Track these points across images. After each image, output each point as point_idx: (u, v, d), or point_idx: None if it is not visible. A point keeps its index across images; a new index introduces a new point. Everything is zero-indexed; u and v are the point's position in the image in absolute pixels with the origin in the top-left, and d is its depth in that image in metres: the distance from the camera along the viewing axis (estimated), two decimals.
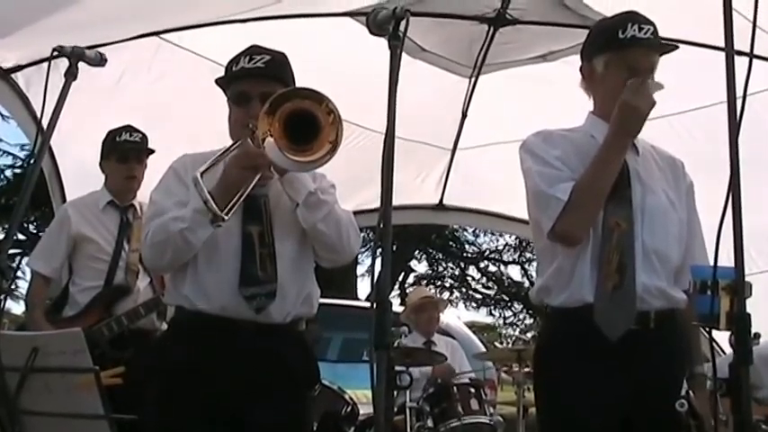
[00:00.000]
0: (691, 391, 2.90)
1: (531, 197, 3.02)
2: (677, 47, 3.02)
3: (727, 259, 2.10)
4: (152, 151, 4.66)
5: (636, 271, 2.85)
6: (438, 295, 14.21)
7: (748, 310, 2.04)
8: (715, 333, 2.18)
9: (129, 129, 4.67)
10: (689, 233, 3.05)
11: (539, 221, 2.95)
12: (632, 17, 2.97)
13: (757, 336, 4.46)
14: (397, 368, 5.25)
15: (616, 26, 2.99)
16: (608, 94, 2.99)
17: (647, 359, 2.83)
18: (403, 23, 2.32)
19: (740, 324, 1.98)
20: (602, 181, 2.86)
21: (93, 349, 3.85)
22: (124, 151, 4.63)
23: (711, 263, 2.86)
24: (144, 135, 4.67)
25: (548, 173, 2.93)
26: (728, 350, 2.08)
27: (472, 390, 5.66)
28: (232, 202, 2.78)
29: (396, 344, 5.37)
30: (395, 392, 5.20)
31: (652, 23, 2.95)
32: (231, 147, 2.92)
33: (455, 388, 5.57)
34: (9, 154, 19.10)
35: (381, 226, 2.16)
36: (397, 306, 8.05)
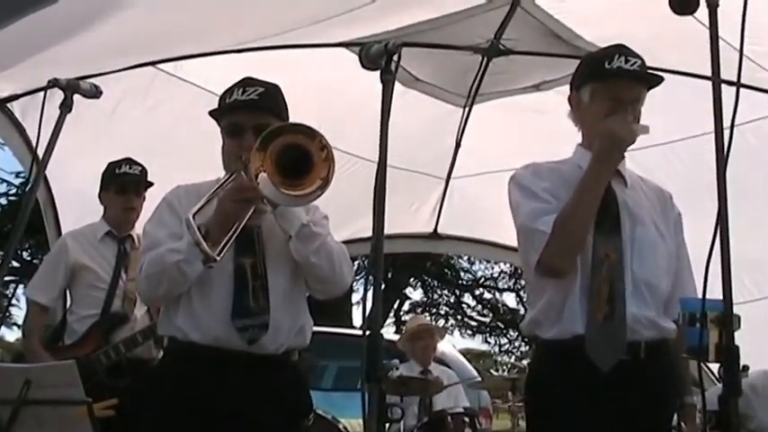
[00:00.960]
0: (682, 423, 2.89)
1: (518, 232, 3.03)
2: (662, 79, 3.03)
3: (717, 289, 2.11)
4: (151, 184, 4.68)
5: (626, 301, 2.85)
6: (435, 323, 14.16)
7: (737, 340, 2.05)
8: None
9: (129, 161, 4.69)
10: (678, 264, 3.05)
11: (526, 256, 2.97)
12: (620, 49, 2.99)
13: (746, 368, 4.48)
14: (391, 399, 5.27)
15: (603, 57, 3.02)
16: (593, 124, 3.01)
17: (638, 389, 2.82)
18: (395, 57, 2.34)
19: (729, 356, 1.98)
20: (584, 210, 2.86)
21: (91, 377, 3.88)
22: (123, 183, 4.65)
23: (700, 294, 2.91)
24: (144, 168, 4.69)
25: (533, 207, 2.94)
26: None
27: (467, 419, 5.65)
28: (227, 237, 2.79)
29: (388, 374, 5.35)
30: (386, 425, 5.20)
31: (640, 57, 2.97)
32: (224, 182, 2.92)
33: (449, 417, 5.56)
34: (4, 181, 19.12)
35: (372, 258, 2.16)
36: (391, 334, 8.04)
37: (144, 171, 4.68)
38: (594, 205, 2.87)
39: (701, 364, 2.16)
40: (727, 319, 1.99)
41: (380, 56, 2.34)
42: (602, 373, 2.79)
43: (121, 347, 4.40)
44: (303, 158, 2.72)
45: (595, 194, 2.88)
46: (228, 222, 2.82)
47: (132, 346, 4.42)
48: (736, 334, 2.06)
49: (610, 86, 2.97)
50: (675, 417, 2.93)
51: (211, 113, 3.19)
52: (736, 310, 2.06)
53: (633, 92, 2.97)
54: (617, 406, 2.79)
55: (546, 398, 2.96)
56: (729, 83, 2.17)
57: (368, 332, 2.07)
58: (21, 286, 18.07)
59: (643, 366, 2.84)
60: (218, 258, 2.72)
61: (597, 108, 2.99)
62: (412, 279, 22.97)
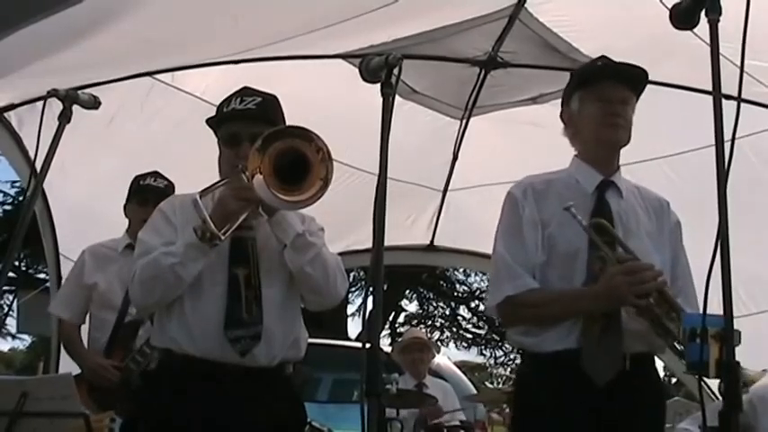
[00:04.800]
0: None
1: (494, 261, 3.05)
2: (647, 81, 3.04)
3: (717, 304, 2.10)
4: None
5: (621, 314, 2.83)
6: (429, 336, 14.11)
7: (737, 355, 2.04)
8: None
9: (156, 174, 4.67)
10: (673, 272, 3.02)
11: (491, 292, 3.01)
12: (604, 58, 3.06)
13: (746, 384, 4.45)
14: (389, 411, 5.25)
15: (587, 65, 3.13)
16: (585, 129, 3.04)
17: (623, 402, 2.78)
18: (395, 70, 2.34)
19: (729, 372, 1.98)
20: (565, 316, 2.88)
21: (129, 386, 3.97)
22: (145, 195, 4.57)
23: (701, 307, 2.88)
24: (170, 183, 4.64)
25: (512, 262, 2.96)
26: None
27: None
28: (224, 228, 2.80)
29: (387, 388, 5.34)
30: None
31: (627, 64, 3.00)
32: (224, 179, 2.95)
33: (446, 430, 5.55)
34: None
35: (372, 271, 2.15)
36: (386, 346, 8.04)
37: (170, 186, 4.62)
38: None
39: (701, 381, 2.14)
40: (727, 335, 1.98)
41: (381, 68, 2.35)
42: (592, 386, 2.77)
43: (146, 349, 4.37)
44: (300, 164, 2.74)
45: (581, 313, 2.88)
46: (228, 219, 2.84)
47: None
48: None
49: (596, 88, 3.00)
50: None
51: (209, 122, 3.19)
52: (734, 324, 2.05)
53: (619, 92, 2.98)
54: (603, 417, 2.77)
55: (532, 410, 2.93)
56: (730, 97, 2.17)
57: (368, 345, 2.05)
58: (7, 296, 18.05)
59: (628, 378, 2.81)
60: (223, 238, 2.76)
61: (587, 112, 3.02)
62: (407, 291, 22.92)
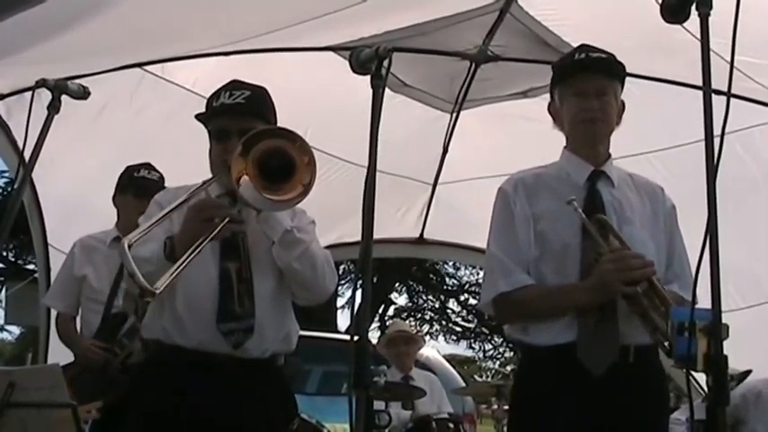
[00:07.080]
0: None
1: (487, 258, 3.07)
2: (623, 67, 3.04)
3: (705, 297, 2.11)
4: None
5: (617, 303, 2.83)
6: (416, 330, 14.11)
7: (726, 350, 2.04)
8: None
9: (148, 166, 4.63)
10: (669, 257, 3.03)
11: (493, 281, 2.99)
12: (581, 48, 3.05)
13: (733, 378, 4.46)
14: (376, 405, 5.26)
15: (563, 59, 3.10)
16: (566, 124, 3.06)
17: (626, 395, 2.79)
18: (386, 62, 2.34)
19: (717, 366, 1.98)
20: (555, 313, 2.89)
21: (103, 375, 4.01)
22: (141, 187, 4.50)
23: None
24: (162, 175, 4.61)
25: (505, 258, 2.97)
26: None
27: (451, 425, 5.65)
28: (189, 250, 2.70)
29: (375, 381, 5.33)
30: None
31: (603, 51, 3.00)
32: (185, 198, 2.86)
33: (434, 423, 5.56)
34: None
35: (361, 264, 2.15)
36: (375, 339, 8.05)
37: (162, 179, 4.60)
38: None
39: (689, 375, 2.14)
40: (715, 329, 1.99)
41: (371, 60, 2.35)
42: (592, 377, 2.77)
43: (125, 340, 4.35)
44: (285, 163, 2.72)
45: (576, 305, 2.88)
46: (192, 239, 2.75)
47: (134, 335, 4.35)
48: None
49: (572, 82, 3.01)
50: None
51: (198, 118, 3.17)
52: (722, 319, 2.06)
53: (595, 83, 2.97)
54: (603, 409, 2.76)
55: (533, 404, 2.93)
56: (719, 92, 2.17)
57: (356, 338, 2.05)
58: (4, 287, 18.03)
59: (631, 371, 2.81)
60: (157, 293, 2.57)
61: (566, 107, 3.04)
62: (397, 284, 22.94)
